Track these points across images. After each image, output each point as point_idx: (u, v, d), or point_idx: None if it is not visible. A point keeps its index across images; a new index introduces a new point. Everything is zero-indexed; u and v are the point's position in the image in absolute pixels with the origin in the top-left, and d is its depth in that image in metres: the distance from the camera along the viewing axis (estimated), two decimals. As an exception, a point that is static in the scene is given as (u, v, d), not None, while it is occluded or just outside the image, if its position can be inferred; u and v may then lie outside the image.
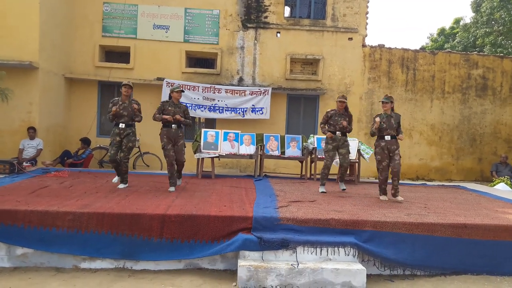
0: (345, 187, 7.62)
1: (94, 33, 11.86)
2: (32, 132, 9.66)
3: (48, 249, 4.82)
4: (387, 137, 6.61)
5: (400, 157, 6.71)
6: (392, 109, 6.83)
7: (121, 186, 6.97)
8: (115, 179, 7.35)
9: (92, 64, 11.77)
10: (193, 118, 11.84)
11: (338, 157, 7.51)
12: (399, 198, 6.66)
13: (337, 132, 7.27)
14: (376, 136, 6.78)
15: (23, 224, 4.83)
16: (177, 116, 6.80)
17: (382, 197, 6.83)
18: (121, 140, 6.88)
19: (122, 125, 6.84)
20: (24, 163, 8.89)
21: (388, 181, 6.91)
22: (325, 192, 7.28)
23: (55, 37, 10.82)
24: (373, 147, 6.94)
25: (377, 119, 6.63)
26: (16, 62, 9.57)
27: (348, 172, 9.19)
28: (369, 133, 6.97)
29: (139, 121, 7.08)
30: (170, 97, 7.10)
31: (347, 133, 7.45)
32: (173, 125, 6.85)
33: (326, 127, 7.35)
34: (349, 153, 7.49)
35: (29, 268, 4.80)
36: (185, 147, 7.13)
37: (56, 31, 10.86)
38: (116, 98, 7.04)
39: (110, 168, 10.66)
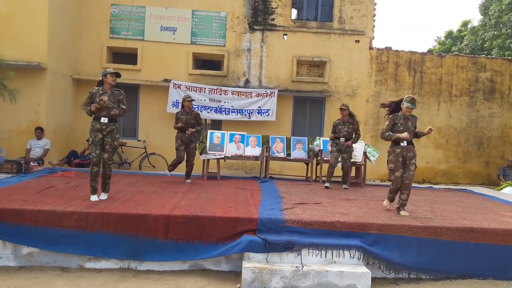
0: (347, 187, 8.33)
1: (102, 35, 11.94)
2: (39, 132, 9.73)
3: (53, 249, 4.84)
4: (403, 143, 5.80)
5: (416, 167, 5.93)
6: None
7: (103, 196, 5.86)
8: (94, 197, 5.74)
9: (100, 65, 11.83)
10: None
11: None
12: (403, 212, 5.84)
13: (341, 139, 8.06)
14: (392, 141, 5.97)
15: (30, 224, 4.86)
16: (190, 130, 7.92)
17: (385, 203, 6.14)
18: (103, 137, 5.82)
19: (104, 120, 5.77)
20: (31, 163, 8.96)
21: None
22: (328, 187, 8.11)
23: (63, 38, 10.90)
24: (388, 154, 6.05)
25: (404, 135, 5.73)
26: (24, 62, 9.65)
27: (354, 175, 9.30)
28: (380, 135, 6.11)
29: (120, 114, 5.95)
30: (182, 106, 8.16)
31: (356, 141, 8.22)
32: (186, 131, 7.94)
33: (333, 135, 8.21)
34: (351, 158, 8.30)
35: (34, 268, 4.83)
36: (196, 150, 8.23)
37: (64, 32, 10.95)
38: (96, 88, 5.92)
39: (116, 168, 10.74)
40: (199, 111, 11.44)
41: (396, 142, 5.86)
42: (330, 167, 8.20)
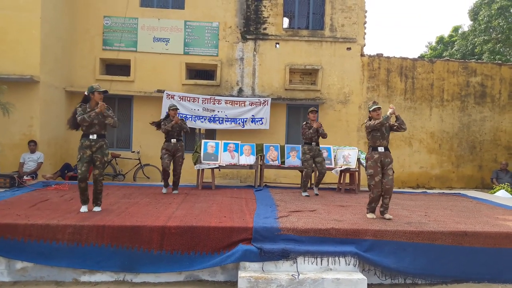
0: (318, 193, 8.32)
1: (95, 47, 11.96)
2: (32, 145, 9.69)
3: (48, 263, 4.81)
4: (381, 149, 5.97)
5: (393, 172, 6.07)
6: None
7: (97, 209, 5.92)
8: (84, 208, 5.86)
9: (93, 77, 11.82)
10: (193, 129, 11.91)
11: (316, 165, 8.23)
12: (387, 215, 5.91)
13: (313, 143, 8.14)
14: (369, 147, 6.16)
15: (23, 238, 4.83)
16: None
17: (370, 215, 6.02)
18: (92, 154, 5.85)
19: (93, 136, 5.85)
20: (25, 177, 8.90)
21: None
22: (308, 196, 8.04)
23: (56, 51, 10.91)
24: (366, 160, 6.19)
25: (373, 122, 5.93)
26: (17, 76, 9.64)
27: (348, 181, 9.32)
28: (365, 130, 6.20)
29: (115, 125, 6.06)
30: (167, 116, 8.13)
31: (324, 138, 8.27)
32: (172, 140, 7.92)
33: (310, 131, 8.07)
34: (325, 160, 8.42)
35: (29, 282, 4.78)
36: (183, 158, 8.00)
37: (57, 45, 10.96)
38: (84, 104, 5.96)
39: (111, 180, 10.72)
40: (193, 121, 11.51)
41: (374, 147, 6.03)
42: (307, 177, 8.15)
